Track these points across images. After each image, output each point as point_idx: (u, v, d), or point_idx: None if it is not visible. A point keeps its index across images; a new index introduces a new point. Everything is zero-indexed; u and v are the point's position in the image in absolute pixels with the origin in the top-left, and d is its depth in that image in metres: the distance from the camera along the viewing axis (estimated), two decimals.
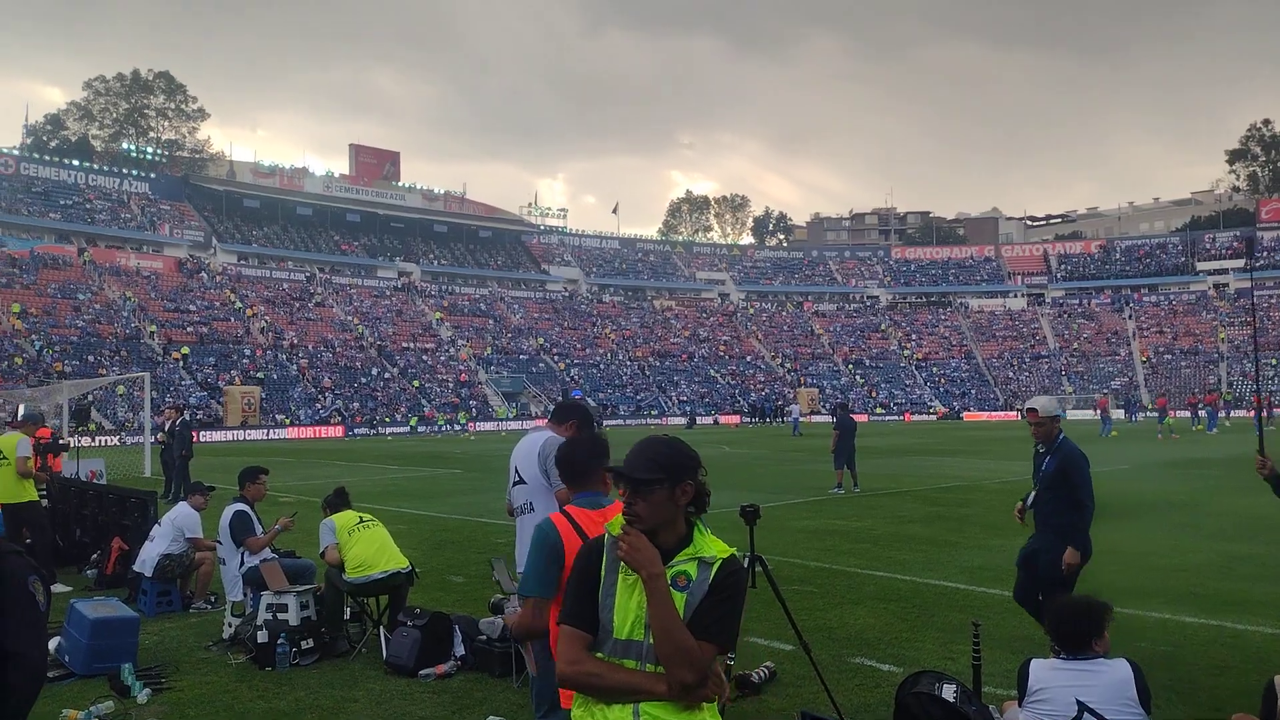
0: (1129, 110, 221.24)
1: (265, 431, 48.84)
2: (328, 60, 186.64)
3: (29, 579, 2.99)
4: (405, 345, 65.70)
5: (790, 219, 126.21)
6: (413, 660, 6.55)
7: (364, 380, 59.48)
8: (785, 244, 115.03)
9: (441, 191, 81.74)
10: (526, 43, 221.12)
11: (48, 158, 68.39)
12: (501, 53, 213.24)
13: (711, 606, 2.60)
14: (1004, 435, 40.57)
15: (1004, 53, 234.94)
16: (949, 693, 4.82)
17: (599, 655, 2.62)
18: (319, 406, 54.50)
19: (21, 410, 21.03)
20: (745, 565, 5.25)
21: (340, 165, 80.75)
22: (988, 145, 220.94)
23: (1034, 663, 4.16)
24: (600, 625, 2.63)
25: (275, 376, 56.00)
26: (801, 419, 50.56)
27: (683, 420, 60.31)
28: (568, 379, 66.37)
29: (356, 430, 51.47)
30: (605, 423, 58.61)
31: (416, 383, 61.25)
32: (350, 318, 66.87)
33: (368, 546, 7.16)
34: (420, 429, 53.78)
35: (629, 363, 73.81)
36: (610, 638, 2.61)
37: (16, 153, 67.21)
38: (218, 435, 45.36)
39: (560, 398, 57.93)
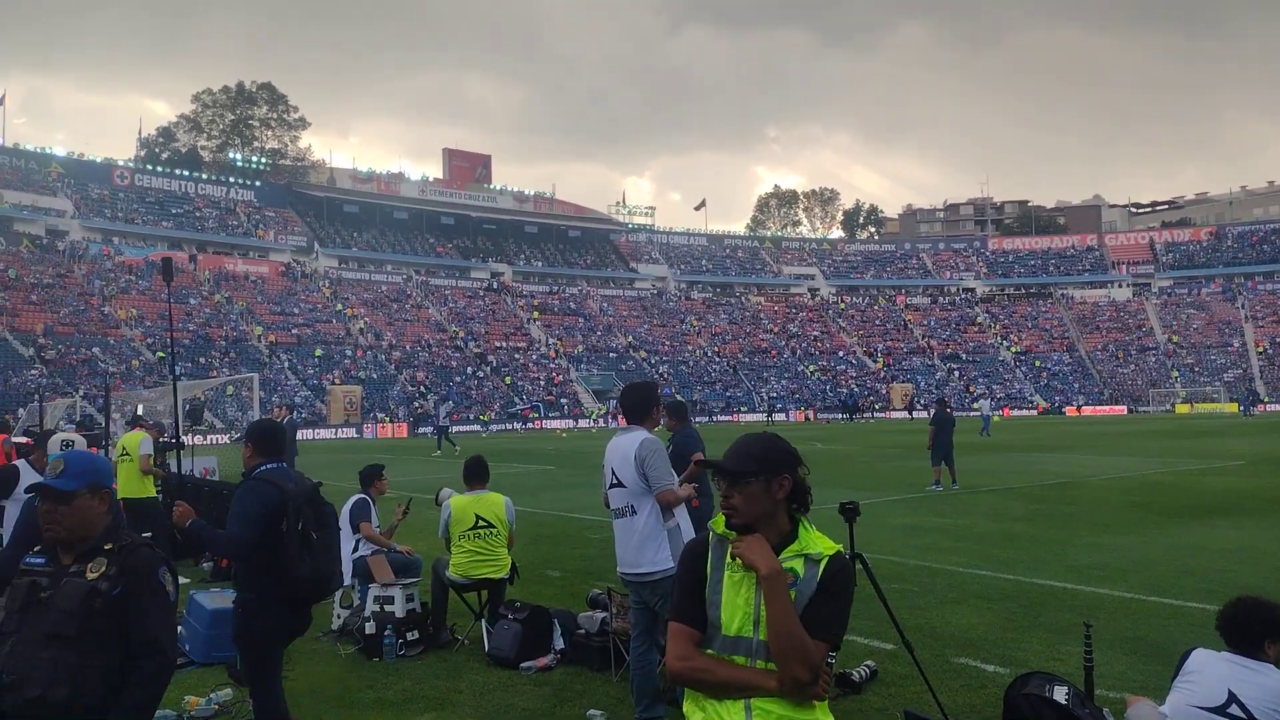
0: (1240, 88, 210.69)
1: (359, 429, 50.24)
2: (419, 68, 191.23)
3: (159, 570, 3.14)
4: (498, 344, 66.82)
5: (881, 211, 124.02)
6: (514, 652, 6.67)
7: (459, 379, 60.72)
8: (876, 237, 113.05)
9: (531, 193, 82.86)
10: (610, 43, 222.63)
11: (160, 169, 71.69)
12: (586, 54, 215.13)
13: (822, 604, 2.60)
14: (1110, 430, 39.11)
15: (1104, 34, 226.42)
16: (1061, 694, 4.69)
17: (709, 652, 2.64)
18: (415, 405, 55.86)
19: (140, 409, 22.06)
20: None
21: (433, 169, 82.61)
22: (1088, 131, 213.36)
23: (1199, 649, 4.05)
24: (708, 622, 2.65)
25: (375, 376, 57.62)
26: (992, 415, 41.10)
27: (761, 416, 59.83)
28: (656, 376, 66.58)
29: (453, 427, 52.54)
30: (694, 419, 58.59)
31: (509, 379, 62.25)
32: (445, 318, 68.34)
33: (472, 555, 7.28)
34: (492, 427, 54.38)
35: (718, 359, 73.59)
36: (719, 634, 2.63)
37: (132, 165, 70.63)
38: (323, 433, 46.95)
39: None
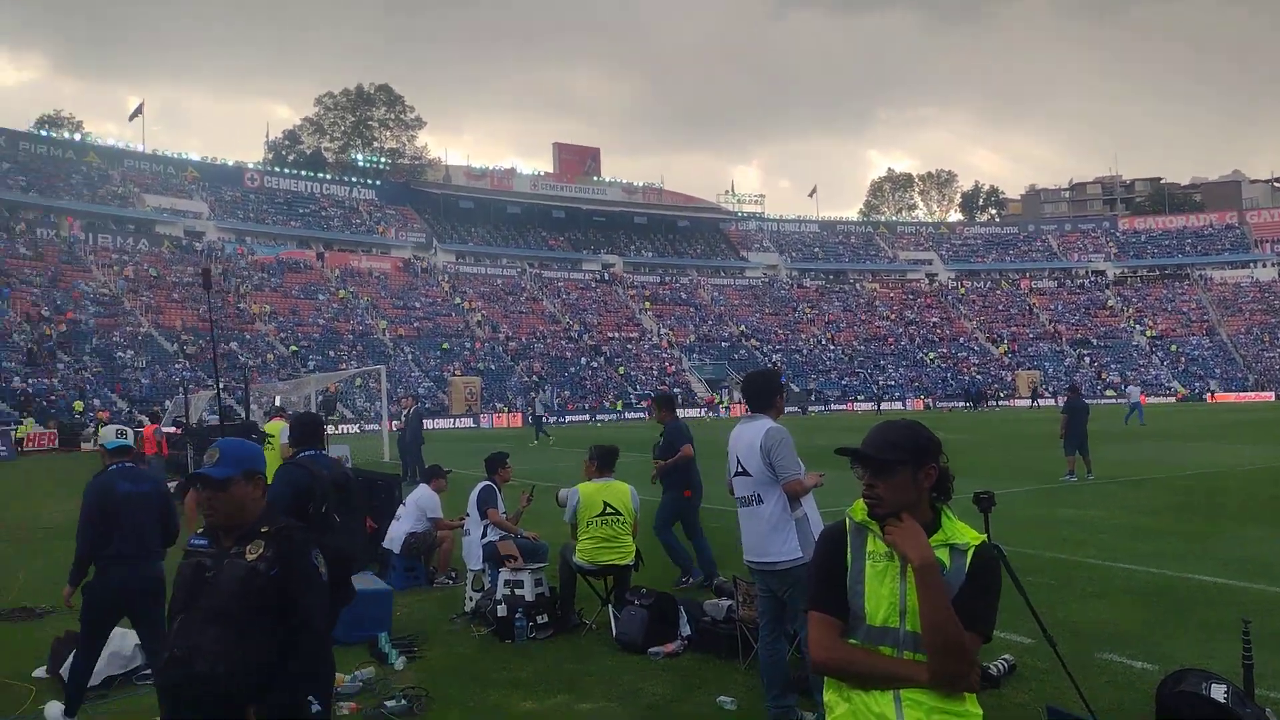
0: None
1: (476, 419, 51.47)
2: (529, 65, 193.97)
3: (312, 552, 3.28)
4: (610, 335, 67.43)
5: (1002, 192, 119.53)
6: (641, 638, 6.74)
7: (572, 370, 61.57)
8: (997, 219, 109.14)
9: (640, 184, 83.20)
10: (715, 31, 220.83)
11: (287, 170, 74.95)
12: (691, 44, 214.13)
13: (972, 595, 2.55)
14: (1256, 418, 36.83)
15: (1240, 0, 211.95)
16: (1219, 693, 4.46)
17: (852, 641, 2.60)
18: (531, 395, 56.91)
19: (278, 400, 23.14)
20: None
21: (544, 164, 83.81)
22: (1224, 104, 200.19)
23: None
24: (850, 612, 2.61)
25: (493, 367, 58.99)
26: (1141, 404, 36.39)
27: (870, 405, 58.62)
28: (769, 365, 66.01)
29: (566, 417, 53.44)
30: (810, 409, 57.94)
31: (622, 369, 62.78)
32: (558, 310, 69.38)
33: (599, 541, 7.39)
34: (598, 416, 54.90)
35: (832, 348, 72.49)
36: (863, 624, 2.59)
37: (261, 168, 74.08)
38: (442, 423, 48.34)
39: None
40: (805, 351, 70.66)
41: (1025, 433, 31.22)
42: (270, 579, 3.10)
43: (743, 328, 72.67)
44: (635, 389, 60.65)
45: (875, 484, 2.60)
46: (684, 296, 76.16)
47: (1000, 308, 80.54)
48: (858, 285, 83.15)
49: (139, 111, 69.73)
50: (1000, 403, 62.87)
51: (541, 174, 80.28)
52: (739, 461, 5.45)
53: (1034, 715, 5.43)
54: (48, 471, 25.26)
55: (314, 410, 28.01)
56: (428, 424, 23.92)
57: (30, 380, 40.75)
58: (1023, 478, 17.24)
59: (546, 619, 7.29)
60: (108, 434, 6.12)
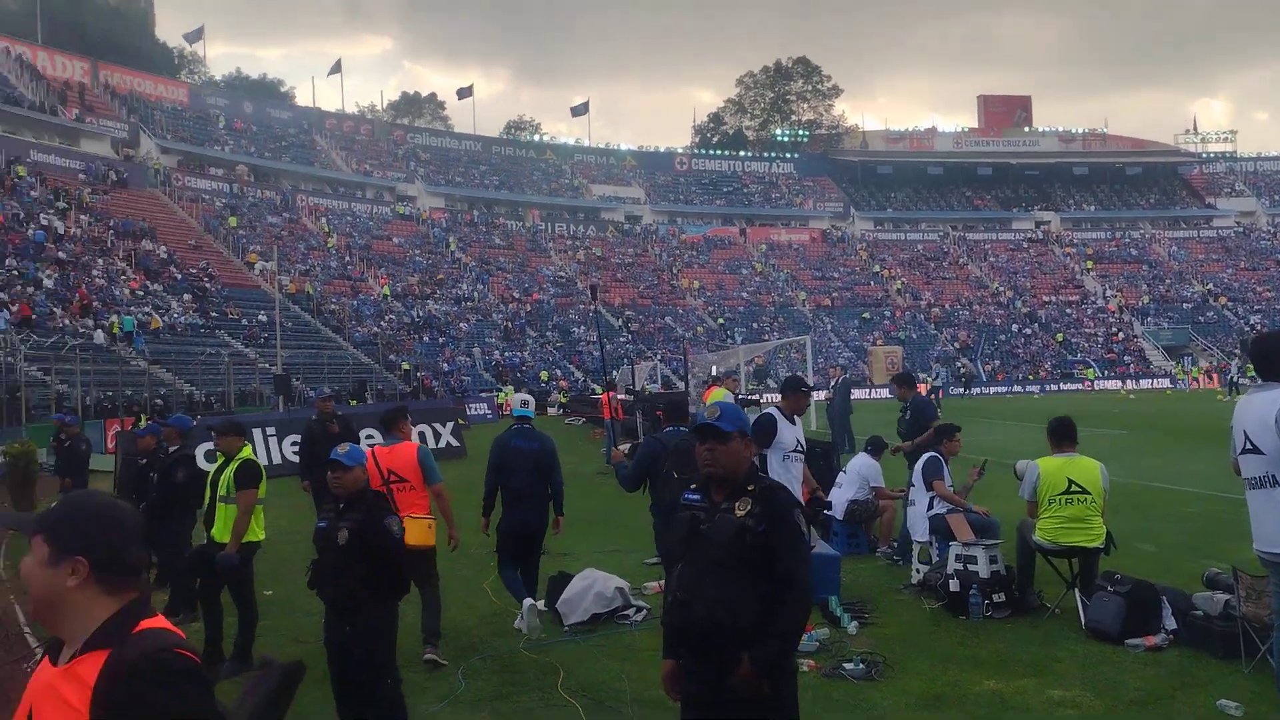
0: None
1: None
2: (948, 18, 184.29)
3: (795, 511, 3.42)
4: (1046, 299, 62.43)
5: None
6: (1117, 627, 6.17)
7: (1003, 338, 58.01)
8: None
9: (1079, 131, 75.64)
10: None
11: (711, 152, 78.86)
12: None
13: None
14: None
15: None
16: None
17: None
18: (958, 365, 54.62)
19: (714, 370, 24.53)
20: None
21: (968, 120, 79.44)
22: None
23: None
24: None
25: (915, 336, 57.47)
26: None
27: None
28: (1247, 329, 56.88)
29: (995, 388, 50.49)
30: None
31: (1060, 337, 57.90)
32: (986, 274, 65.64)
33: (1064, 521, 6.81)
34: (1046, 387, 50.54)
35: None
36: None
37: (689, 151, 78.73)
38: (858, 394, 48.07)
39: (1238, 350, 49.95)
40: None
41: None
42: (758, 534, 3.27)
43: (1210, 285, 63.37)
44: (1075, 356, 55.62)
45: None
46: (1134, 253, 68.17)
47: None
48: None
49: (585, 109, 77.38)
50: None
51: (965, 130, 76.20)
52: (1247, 436, 4.74)
53: None
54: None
55: (747, 379, 29.37)
56: (855, 394, 24.09)
57: (506, 353, 47.25)
58: None
59: (1003, 598, 6.94)
60: (515, 402, 7.72)
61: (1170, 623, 6.19)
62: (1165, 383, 51.26)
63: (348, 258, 50.93)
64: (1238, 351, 50.12)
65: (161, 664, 1.86)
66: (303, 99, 73.46)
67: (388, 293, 48.49)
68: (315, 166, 58.98)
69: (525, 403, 7.55)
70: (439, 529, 6.59)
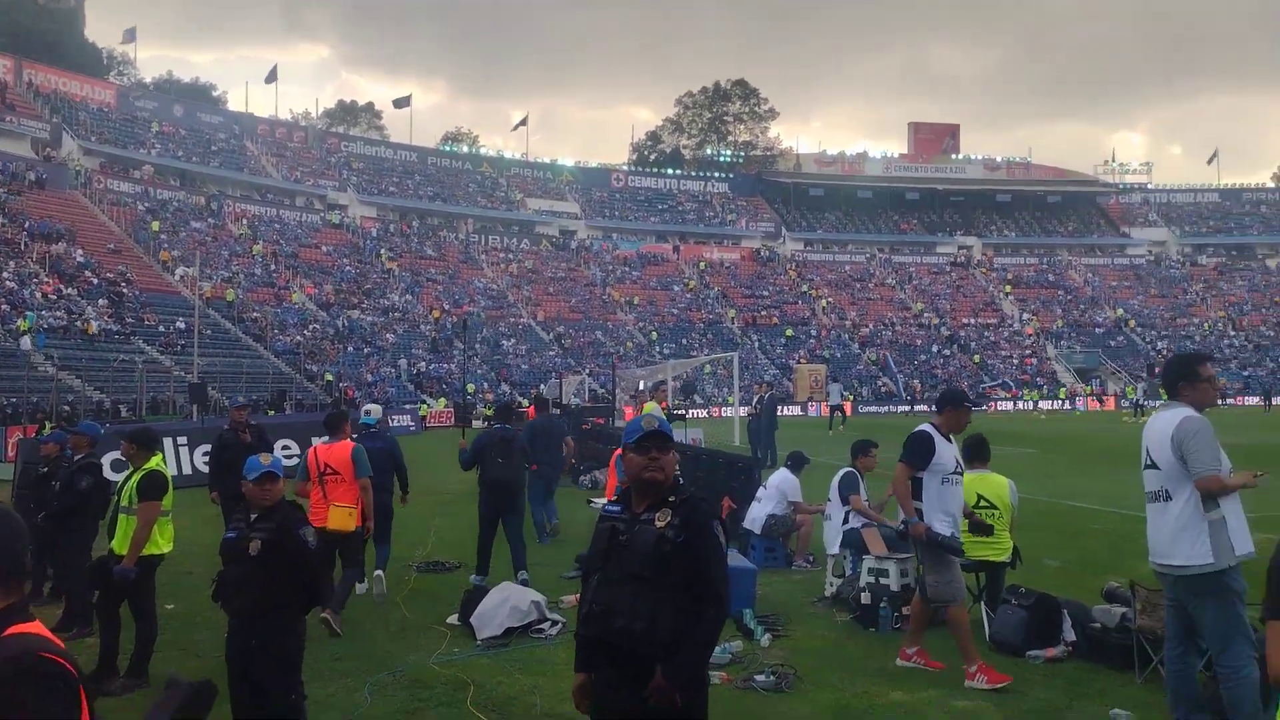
0: None
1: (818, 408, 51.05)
2: (881, 47, 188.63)
3: (713, 523, 3.43)
4: (966, 321, 64.08)
5: None
6: (1019, 639, 6.33)
7: (923, 358, 59.33)
8: None
9: (1003, 160, 77.99)
10: None
11: (648, 169, 79.34)
12: (1063, 4, 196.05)
13: None
14: None
15: None
16: None
17: None
18: (880, 384, 55.67)
19: (641, 385, 24.55)
20: None
21: (897, 146, 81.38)
22: None
23: None
24: None
25: (839, 355, 58.44)
26: None
27: (1258, 400, 50.22)
28: (1153, 353, 59.18)
29: (919, 406, 51.54)
30: None
31: (977, 358, 59.46)
32: (910, 295, 67.13)
33: (972, 536, 6.96)
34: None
35: (1233, 333, 63.44)
36: None
37: (626, 168, 79.11)
38: (787, 410, 48.68)
39: (1145, 373, 51.85)
40: (1198, 338, 62.37)
41: None
42: (677, 546, 3.26)
43: (1121, 311, 65.78)
44: (990, 378, 57.16)
45: None
46: (1051, 278, 70.40)
47: None
48: (1268, 262, 71.95)
49: (523, 123, 77.28)
50: None
51: (895, 156, 77.96)
52: (1148, 452, 4.95)
53: None
54: (447, 443, 28.81)
55: (674, 394, 29.55)
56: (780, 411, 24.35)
57: (432, 365, 46.70)
58: None
59: None
60: (363, 412, 9.66)
61: (1070, 635, 6.38)
62: (1072, 405, 52.89)
63: (273, 265, 49.85)
64: (1144, 375, 52.06)
65: (26, 668, 1.87)
66: (236, 105, 71.67)
67: (305, 300, 47.52)
68: (245, 172, 57.65)
69: (369, 411, 9.65)
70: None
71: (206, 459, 14.49)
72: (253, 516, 4.75)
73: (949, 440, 6.24)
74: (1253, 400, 51.88)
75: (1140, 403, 37.75)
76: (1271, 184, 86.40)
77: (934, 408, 6.50)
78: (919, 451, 6.06)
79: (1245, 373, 58.31)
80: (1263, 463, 5.85)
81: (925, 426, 6.27)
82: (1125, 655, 5.94)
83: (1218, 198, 78.57)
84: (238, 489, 5.10)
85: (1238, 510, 4.77)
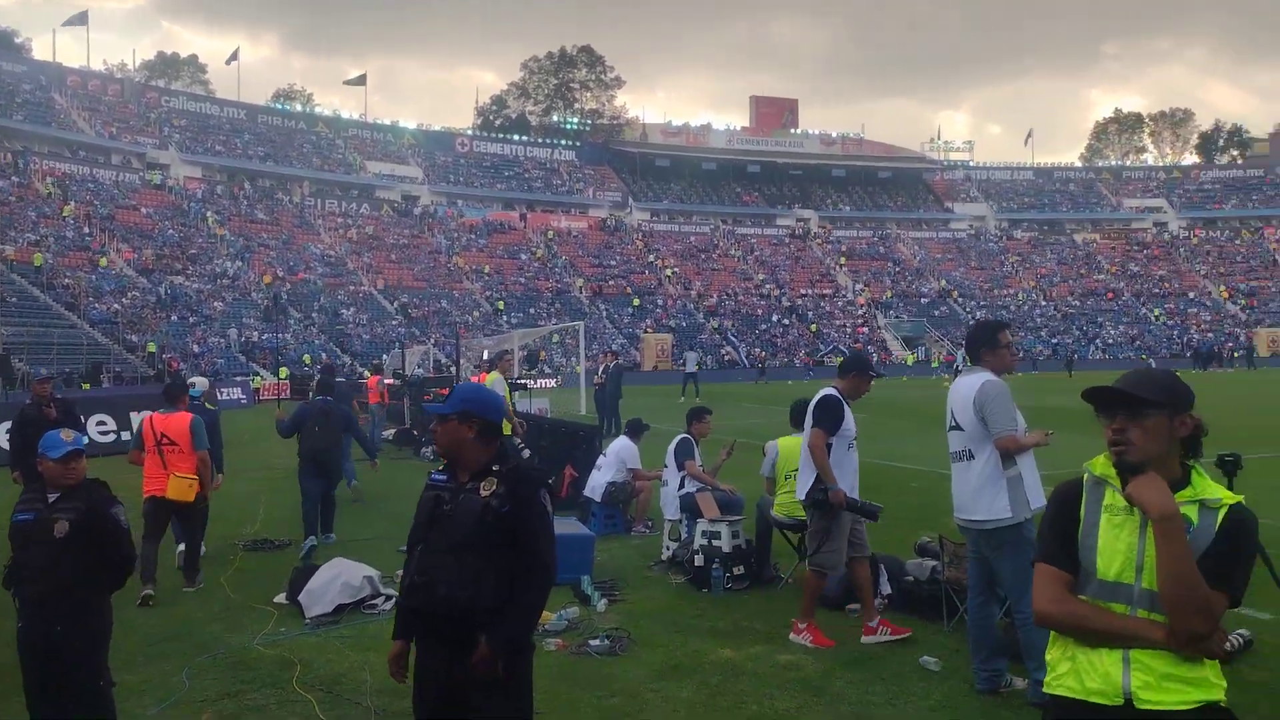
0: None
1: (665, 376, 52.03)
2: (726, 18, 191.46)
3: (540, 491, 3.45)
4: (803, 291, 66.39)
5: (1247, 131, 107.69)
6: (839, 594, 6.65)
7: (764, 327, 61.15)
8: (1240, 162, 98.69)
9: (839, 135, 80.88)
10: None
11: (494, 135, 77.94)
12: None
13: (1222, 554, 2.39)
14: None
15: None
16: None
17: (1081, 598, 2.49)
18: (723, 353, 57.04)
19: (486, 354, 24.23)
20: None
21: (740, 119, 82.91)
22: None
23: None
24: (1081, 568, 2.50)
25: (684, 324, 59.49)
26: None
27: (1061, 369, 54.52)
28: (971, 321, 62.97)
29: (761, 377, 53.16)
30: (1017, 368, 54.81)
31: (814, 327, 61.78)
32: (751, 266, 68.90)
33: (795, 497, 7.24)
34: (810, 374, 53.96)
35: (1044, 303, 68.33)
36: (1093, 579, 2.48)
37: (470, 133, 77.40)
38: (635, 380, 49.30)
39: (962, 340, 55.15)
40: (1014, 308, 66.93)
41: (1269, 394, 28.35)
42: (501, 515, 3.26)
43: (944, 282, 69.69)
44: (826, 346, 59.62)
45: (1127, 427, 2.45)
46: (882, 251, 73.78)
47: (1239, 259, 73.24)
48: (1075, 236, 77.76)
49: (362, 81, 74.21)
50: (1235, 364, 57.20)
51: (738, 129, 79.50)
52: (952, 415, 5.27)
53: (1273, 695, 4.98)
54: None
55: (519, 364, 29.33)
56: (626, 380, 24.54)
57: (265, 335, 44.68)
58: (1270, 443, 15.67)
59: (743, 571, 7.33)
60: (192, 384, 9.91)
61: (886, 588, 6.75)
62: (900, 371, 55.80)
63: (87, 228, 46.33)
64: (963, 342, 55.40)
65: None
66: (42, 54, 65.95)
67: (123, 265, 44.48)
68: (53, 127, 53.15)
69: (194, 384, 10.12)
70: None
71: (8, 436, 13.44)
72: (51, 497, 4.42)
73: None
74: (1058, 368, 55.98)
75: (959, 367, 40.18)
76: (1079, 164, 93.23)
77: (837, 373, 6.38)
78: (833, 415, 5.98)
79: (1054, 340, 62.96)
80: (1056, 423, 6.33)
81: (831, 390, 6.16)
82: (936, 606, 6.34)
83: (1032, 175, 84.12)
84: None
85: (1032, 467, 5.15)
